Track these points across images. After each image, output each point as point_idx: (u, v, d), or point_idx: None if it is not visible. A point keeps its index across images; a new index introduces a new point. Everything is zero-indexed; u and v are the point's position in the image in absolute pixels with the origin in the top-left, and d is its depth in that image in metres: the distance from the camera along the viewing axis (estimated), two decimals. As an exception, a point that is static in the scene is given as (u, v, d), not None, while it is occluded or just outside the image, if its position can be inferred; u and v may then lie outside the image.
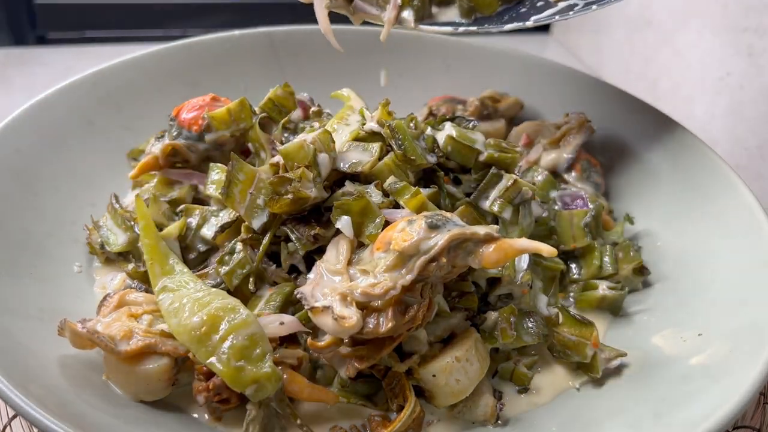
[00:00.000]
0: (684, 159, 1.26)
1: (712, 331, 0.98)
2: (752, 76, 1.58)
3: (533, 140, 1.32)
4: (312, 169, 0.98)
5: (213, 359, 0.84)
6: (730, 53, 1.63)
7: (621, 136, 1.37)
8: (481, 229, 0.88)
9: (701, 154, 1.24)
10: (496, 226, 0.90)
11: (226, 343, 0.85)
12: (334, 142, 1.03)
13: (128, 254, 1.11)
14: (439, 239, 0.86)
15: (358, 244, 0.96)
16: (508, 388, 0.99)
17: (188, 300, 0.90)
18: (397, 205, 1.00)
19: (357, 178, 1.04)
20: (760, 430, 0.98)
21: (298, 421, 0.87)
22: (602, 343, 1.01)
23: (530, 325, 0.99)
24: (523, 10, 1.12)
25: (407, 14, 1.10)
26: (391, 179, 1.01)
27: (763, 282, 1.00)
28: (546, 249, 0.86)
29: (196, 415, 0.92)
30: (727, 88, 1.65)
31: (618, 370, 1.00)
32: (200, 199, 1.16)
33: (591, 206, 1.18)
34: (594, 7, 1.08)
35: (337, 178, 1.04)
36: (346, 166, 1.03)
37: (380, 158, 1.04)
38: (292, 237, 0.99)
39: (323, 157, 1.00)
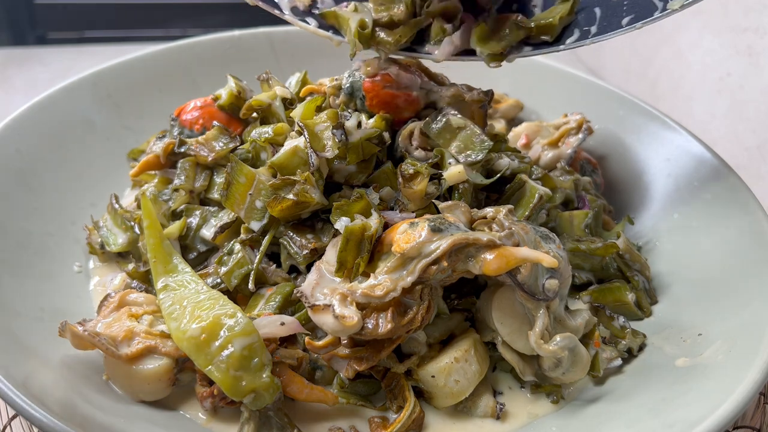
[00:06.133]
0: (683, 159, 1.26)
1: (712, 331, 0.98)
2: (752, 76, 1.58)
3: (532, 141, 1.32)
4: (315, 173, 0.98)
5: (211, 368, 0.84)
6: (730, 53, 1.63)
7: (620, 137, 1.37)
8: (484, 236, 0.87)
9: (701, 154, 1.24)
10: (499, 233, 0.90)
11: (225, 352, 0.84)
12: (323, 141, 1.03)
13: (128, 254, 1.11)
14: (442, 243, 0.86)
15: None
16: (509, 385, 0.99)
17: (188, 303, 0.90)
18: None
19: (352, 186, 1.04)
20: (760, 430, 0.98)
21: (296, 431, 0.87)
22: (603, 343, 1.01)
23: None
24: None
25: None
26: (387, 190, 1.01)
27: (762, 282, 1.00)
28: (547, 259, 0.86)
29: (189, 415, 0.92)
30: (727, 88, 1.65)
31: (618, 370, 1.00)
32: (200, 199, 1.16)
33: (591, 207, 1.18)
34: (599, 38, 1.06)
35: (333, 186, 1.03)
36: (342, 177, 1.03)
37: (375, 166, 1.04)
38: (290, 250, 0.99)
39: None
